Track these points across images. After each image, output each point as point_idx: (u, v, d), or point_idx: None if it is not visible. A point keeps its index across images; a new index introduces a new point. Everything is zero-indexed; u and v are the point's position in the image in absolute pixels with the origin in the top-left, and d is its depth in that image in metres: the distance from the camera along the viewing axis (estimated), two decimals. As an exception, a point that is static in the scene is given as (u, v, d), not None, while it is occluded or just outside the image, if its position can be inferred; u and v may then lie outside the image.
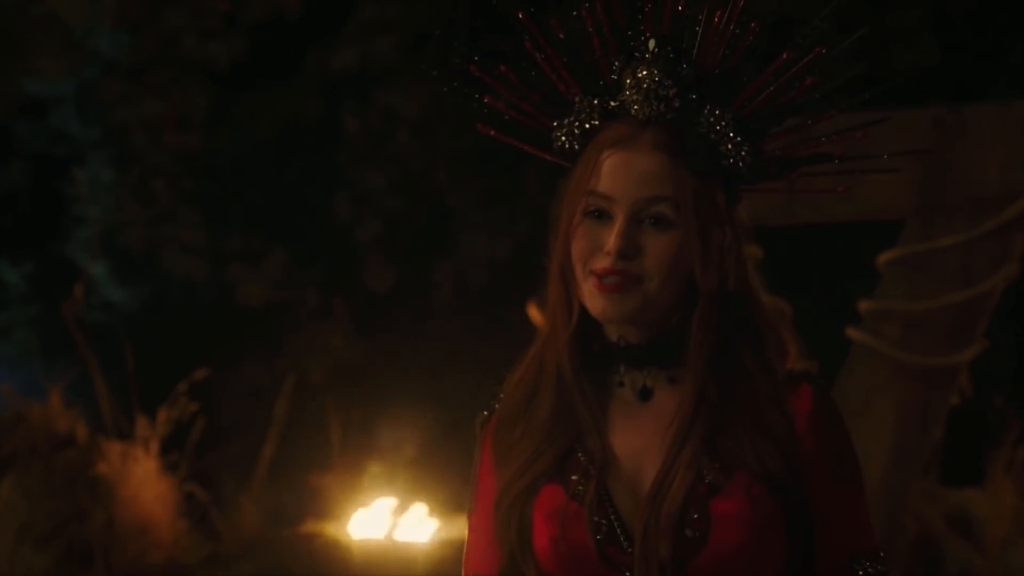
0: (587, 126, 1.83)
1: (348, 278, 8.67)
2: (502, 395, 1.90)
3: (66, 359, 6.66)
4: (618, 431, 1.82)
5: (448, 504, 7.18)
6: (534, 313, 6.58)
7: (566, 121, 1.85)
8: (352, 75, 8.52)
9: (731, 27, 1.82)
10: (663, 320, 1.81)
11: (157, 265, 8.63)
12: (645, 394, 1.82)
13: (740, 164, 1.81)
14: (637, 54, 1.82)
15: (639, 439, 1.81)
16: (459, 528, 6.98)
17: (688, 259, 1.78)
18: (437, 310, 8.68)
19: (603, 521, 1.76)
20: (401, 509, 7.06)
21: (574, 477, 1.78)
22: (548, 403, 1.83)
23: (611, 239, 1.77)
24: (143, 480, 6.27)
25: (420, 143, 8.52)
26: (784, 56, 1.81)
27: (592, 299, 1.80)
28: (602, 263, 1.78)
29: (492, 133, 1.90)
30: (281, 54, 8.59)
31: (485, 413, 1.91)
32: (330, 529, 6.94)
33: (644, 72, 1.80)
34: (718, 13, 1.82)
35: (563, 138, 1.85)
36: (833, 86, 1.84)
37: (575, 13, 1.84)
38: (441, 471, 7.47)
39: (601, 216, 1.80)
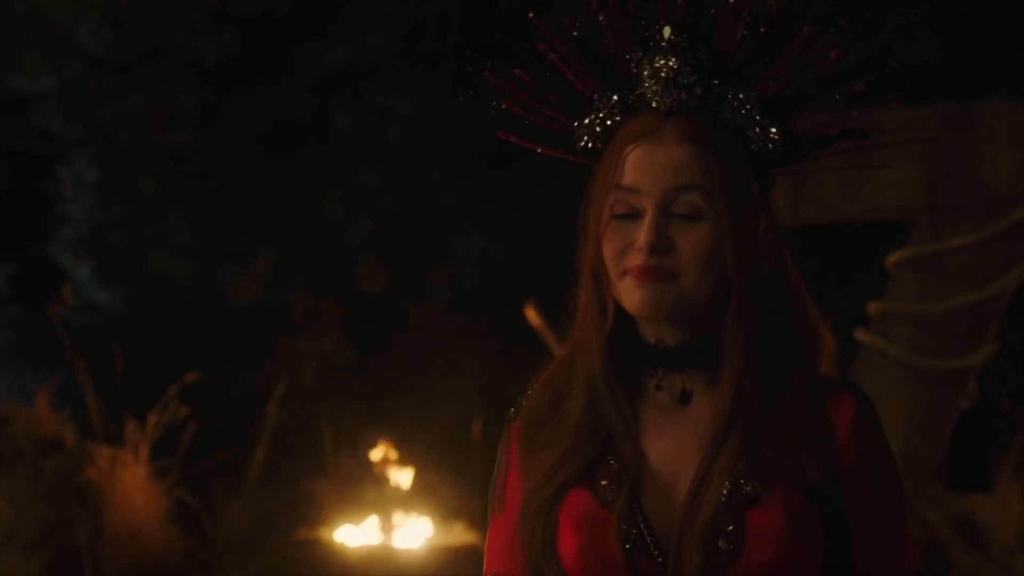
0: (608, 123, 1.81)
1: (339, 279, 8.66)
2: (529, 393, 1.88)
3: (53, 362, 6.62)
4: (653, 436, 1.79)
5: (443, 510, 7.17)
6: (531, 315, 6.58)
7: (587, 120, 1.83)
8: (343, 72, 8.51)
9: (748, 8, 1.79)
10: (700, 320, 1.78)
11: (143, 266, 8.61)
12: (684, 398, 1.79)
13: (770, 147, 1.79)
14: (652, 44, 1.80)
15: (675, 445, 1.78)
16: (454, 534, 6.98)
17: (723, 250, 1.75)
18: (430, 312, 8.67)
19: (633, 530, 1.73)
20: (395, 515, 7.05)
21: (604, 482, 1.76)
22: (578, 408, 1.81)
23: (642, 235, 1.75)
24: (132, 486, 6.24)
25: (413, 141, 8.52)
26: (805, 31, 1.79)
27: (630, 294, 1.77)
28: (635, 261, 1.76)
29: (513, 139, 1.88)
30: (271, 50, 8.58)
31: (512, 411, 1.88)
32: (323, 536, 6.93)
33: (661, 61, 1.78)
34: None
35: (585, 137, 1.83)
36: (857, 61, 1.83)
37: (586, 8, 1.82)
38: (436, 476, 7.46)
39: (631, 215, 1.77)
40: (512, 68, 1.86)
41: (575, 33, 1.83)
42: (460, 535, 6.93)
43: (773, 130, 1.79)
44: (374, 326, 8.65)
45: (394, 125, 8.53)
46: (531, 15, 1.82)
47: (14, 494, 6.03)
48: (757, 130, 1.78)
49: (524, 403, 1.88)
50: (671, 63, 1.77)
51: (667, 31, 1.79)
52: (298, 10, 8.41)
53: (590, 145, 1.82)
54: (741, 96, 1.79)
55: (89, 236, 8.16)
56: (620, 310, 1.81)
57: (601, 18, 1.81)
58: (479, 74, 1.87)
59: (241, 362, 8.44)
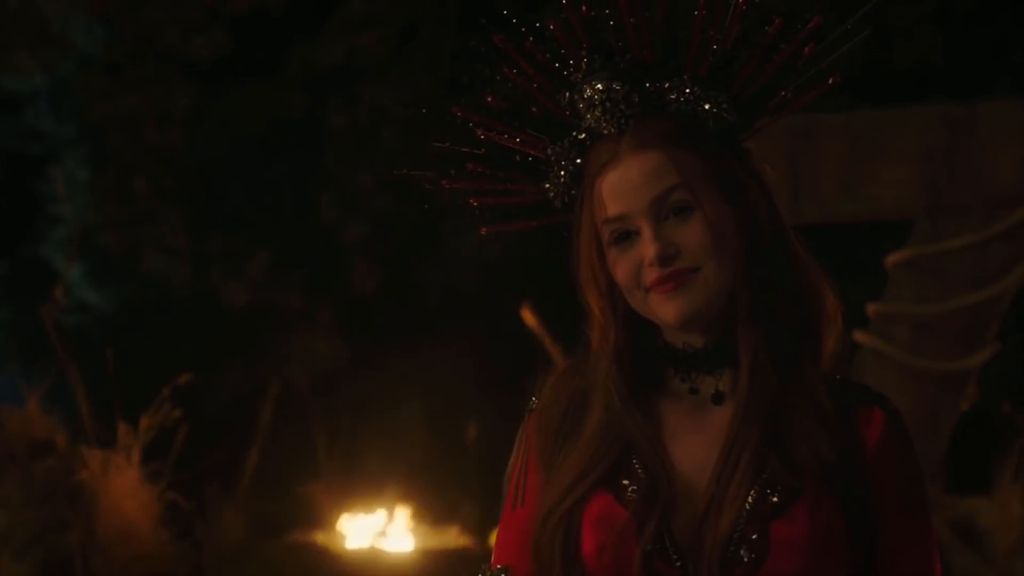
0: (572, 168, 1.84)
1: (334, 281, 8.65)
2: (540, 397, 1.89)
3: (44, 364, 6.61)
4: (678, 440, 1.80)
5: (436, 513, 7.17)
6: (527, 316, 6.58)
7: (551, 176, 1.86)
8: (338, 71, 8.50)
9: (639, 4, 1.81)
10: (724, 320, 1.80)
11: (136, 267, 8.60)
12: (718, 398, 1.80)
13: (724, 116, 1.81)
14: (574, 79, 1.83)
15: (701, 448, 1.79)
16: (449, 538, 6.97)
17: (723, 230, 1.77)
18: (426, 314, 8.67)
19: (653, 533, 1.73)
20: (389, 518, 7.04)
21: (625, 482, 1.77)
22: (596, 423, 1.81)
23: (648, 251, 1.77)
24: (125, 489, 6.22)
25: (408, 141, 8.50)
26: (778, 22, 1.81)
27: (662, 308, 1.78)
28: (651, 275, 1.78)
29: (497, 230, 1.92)
30: (265, 49, 8.57)
31: (533, 399, 1.90)
32: (317, 538, 6.93)
33: (589, 90, 1.81)
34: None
35: (558, 192, 1.86)
36: (833, 59, 1.83)
37: (501, 78, 1.86)
38: (430, 479, 7.46)
39: (629, 236, 1.80)
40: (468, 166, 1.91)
41: (504, 105, 1.87)
42: (454, 539, 6.93)
43: (720, 99, 1.81)
44: (369, 328, 8.64)
45: (389, 124, 8.52)
46: (457, 112, 1.87)
47: (5, 497, 6.02)
48: (706, 106, 1.81)
49: (540, 397, 1.89)
50: (599, 87, 1.81)
51: (582, 60, 1.82)
52: (292, 8, 8.41)
53: (566, 198, 1.86)
54: (677, 83, 1.81)
55: (81, 236, 8.15)
56: (638, 320, 1.82)
57: (518, 82, 1.85)
58: (480, 70, 1.89)
59: (234, 364, 8.43)
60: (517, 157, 1.88)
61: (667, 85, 1.81)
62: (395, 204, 8.54)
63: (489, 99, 1.86)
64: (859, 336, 5.36)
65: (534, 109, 1.86)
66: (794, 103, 1.84)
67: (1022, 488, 6.55)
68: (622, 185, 1.78)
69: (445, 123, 1.92)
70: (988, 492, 6.62)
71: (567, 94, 1.83)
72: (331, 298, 8.67)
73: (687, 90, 1.80)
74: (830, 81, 1.83)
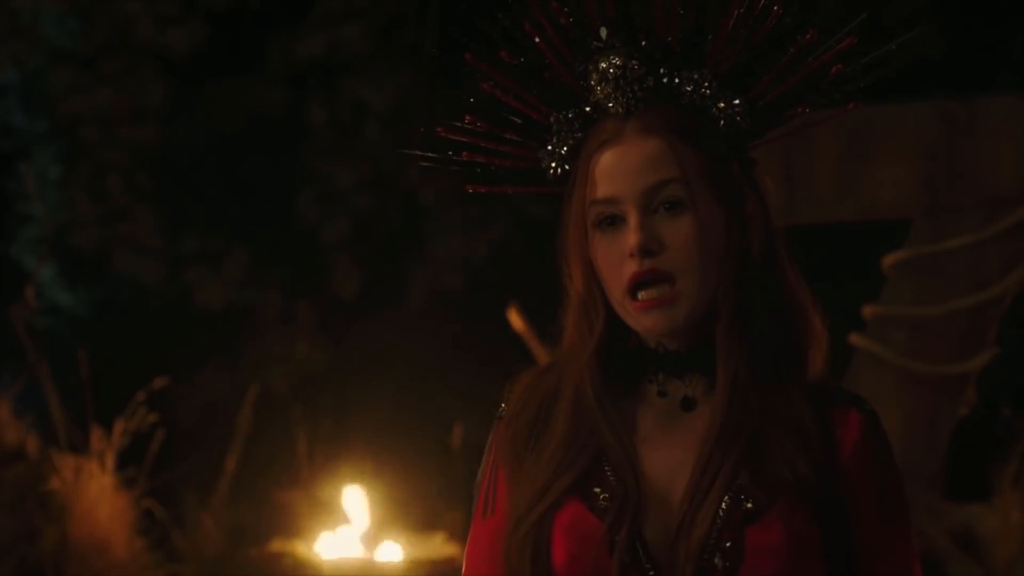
0: (572, 141, 1.83)
1: (314, 281, 8.66)
2: (508, 403, 1.88)
3: (14, 367, 6.60)
4: (650, 445, 1.79)
5: (421, 521, 7.16)
6: (514, 317, 6.58)
7: (549, 146, 1.84)
8: (318, 65, 8.51)
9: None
10: (704, 323, 1.78)
11: (109, 267, 8.59)
12: (687, 404, 1.79)
13: (737, 119, 1.80)
14: (593, 49, 1.81)
15: (674, 453, 1.78)
16: (434, 546, 6.97)
17: (712, 236, 1.75)
18: (409, 315, 8.67)
19: (625, 542, 1.73)
20: (372, 526, 7.04)
21: (596, 489, 1.77)
22: (566, 424, 1.81)
23: (630, 240, 1.75)
24: (98, 496, 6.21)
25: (391, 137, 8.51)
26: (809, 36, 1.79)
27: (638, 322, 1.78)
28: (630, 269, 1.76)
29: (484, 190, 1.89)
30: (243, 42, 8.57)
31: (503, 406, 1.89)
32: (297, 548, 6.92)
33: (605, 63, 1.79)
34: None
35: (554, 164, 1.84)
36: (852, 64, 1.81)
37: (521, 34, 1.83)
38: (414, 486, 7.46)
39: (614, 222, 1.78)
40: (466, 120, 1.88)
41: (516, 62, 1.84)
42: (439, 547, 6.93)
43: (736, 102, 1.80)
44: (350, 329, 8.64)
45: (371, 120, 8.53)
46: (467, 57, 1.84)
47: (-26, 505, 6.01)
48: (721, 105, 1.79)
49: (509, 404, 1.88)
50: (616, 62, 1.79)
51: (604, 32, 1.80)
52: (270, 0, 8.41)
53: (559, 170, 1.84)
54: (695, 76, 1.80)
55: (53, 236, 8.14)
56: (615, 315, 1.81)
57: (537, 40, 1.82)
58: (456, 64, 1.88)
59: (211, 367, 8.42)
60: (518, 120, 1.86)
61: (685, 75, 1.80)
62: (377, 202, 8.55)
63: (503, 54, 1.83)
64: (856, 339, 5.37)
65: (545, 73, 1.84)
66: (807, 118, 1.84)
67: (1022, 495, 6.57)
68: (618, 167, 1.76)
69: (430, 116, 1.91)
70: (988, 499, 6.64)
71: (582, 63, 1.82)
72: (311, 299, 8.67)
73: (704, 84, 1.79)
74: (850, 107, 1.82)
